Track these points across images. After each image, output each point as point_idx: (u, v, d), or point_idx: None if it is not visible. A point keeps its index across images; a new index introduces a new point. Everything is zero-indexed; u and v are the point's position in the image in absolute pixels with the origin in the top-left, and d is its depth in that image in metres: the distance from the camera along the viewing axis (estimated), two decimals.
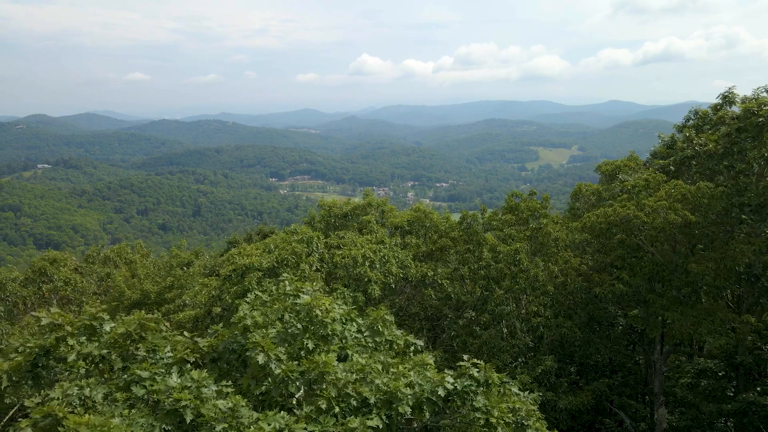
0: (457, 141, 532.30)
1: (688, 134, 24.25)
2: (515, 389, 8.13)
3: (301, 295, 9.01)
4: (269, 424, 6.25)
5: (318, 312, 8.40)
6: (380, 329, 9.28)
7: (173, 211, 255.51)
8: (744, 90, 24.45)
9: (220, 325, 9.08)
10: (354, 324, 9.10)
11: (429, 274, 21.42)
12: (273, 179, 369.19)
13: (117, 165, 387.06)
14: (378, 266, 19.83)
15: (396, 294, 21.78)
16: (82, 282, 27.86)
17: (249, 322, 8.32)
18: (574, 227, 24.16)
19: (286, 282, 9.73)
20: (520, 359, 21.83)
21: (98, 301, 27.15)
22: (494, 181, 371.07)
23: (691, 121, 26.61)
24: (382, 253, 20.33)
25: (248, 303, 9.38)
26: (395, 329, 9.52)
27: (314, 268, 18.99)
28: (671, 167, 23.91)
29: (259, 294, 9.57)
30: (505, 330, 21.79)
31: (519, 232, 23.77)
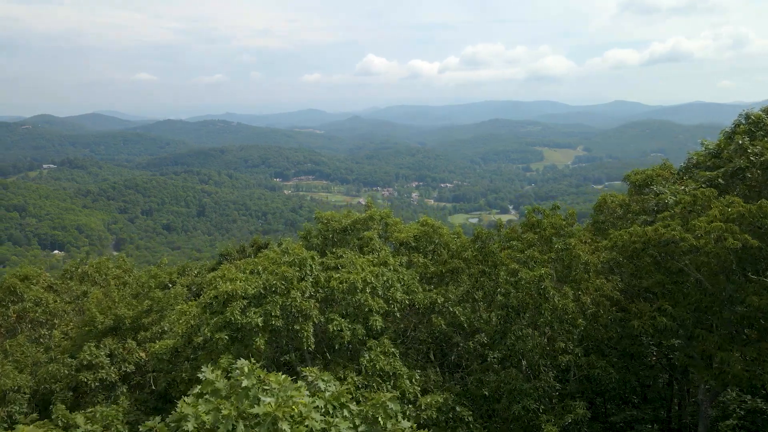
0: (461, 141, 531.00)
1: (741, 142, 21.38)
2: None
3: (262, 398, 6.20)
4: None
5: (286, 429, 5.86)
6: (382, 422, 6.65)
7: (178, 211, 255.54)
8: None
9: (158, 421, 6.46)
10: (345, 412, 6.68)
11: (439, 301, 19.34)
12: (277, 179, 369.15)
13: (122, 165, 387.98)
14: (380, 292, 17.84)
15: (400, 322, 19.77)
16: (55, 302, 25.49)
17: (190, 428, 5.90)
18: (602, 246, 21.60)
19: (244, 370, 6.74)
20: (544, 403, 18.92)
21: (71, 324, 24.90)
22: (499, 182, 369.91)
23: (741, 126, 23.39)
24: (385, 277, 18.24)
25: (197, 393, 6.70)
26: (402, 419, 6.86)
27: (307, 294, 17.13)
28: (720, 180, 21.12)
29: (212, 379, 6.76)
30: (526, 367, 19.55)
31: (542, 253, 21.10)
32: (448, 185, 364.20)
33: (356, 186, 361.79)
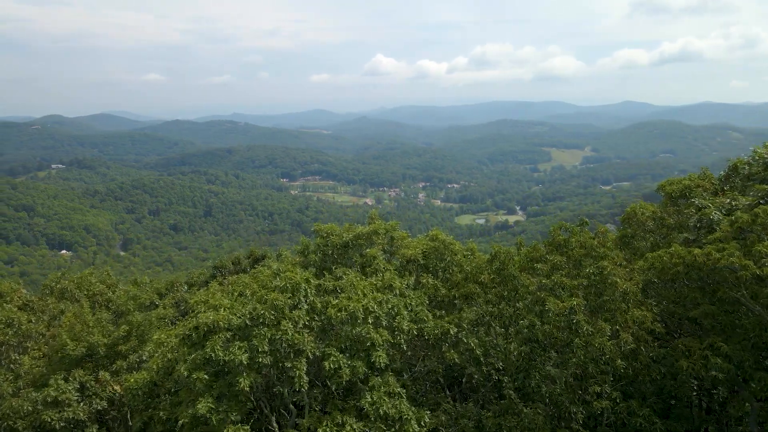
0: (468, 142, 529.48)
1: None
2: None
3: None
4: None
5: None
6: None
7: (185, 211, 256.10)
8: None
9: None
10: None
11: (451, 331, 17.07)
12: (284, 180, 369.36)
13: (130, 165, 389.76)
14: (384, 322, 15.86)
15: (407, 352, 17.82)
16: (29, 322, 22.94)
17: None
18: (638, 268, 19.01)
19: None
20: None
21: (44, 349, 22.10)
22: (506, 182, 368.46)
23: None
24: (390, 305, 16.23)
25: None
26: None
27: (301, 324, 15.28)
28: None
29: None
30: (551, 407, 17.12)
31: (570, 278, 18.43)
32: (455, 186, 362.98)
33: (363, 186, 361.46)
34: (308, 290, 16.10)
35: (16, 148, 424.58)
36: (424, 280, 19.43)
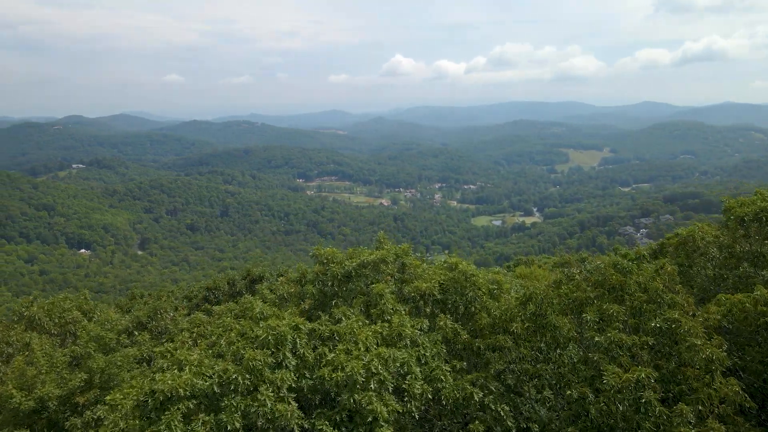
0: (485, 142, 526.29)
1: None
2: None
3: None
4: None
5: None
6: None
7: (201, 211, 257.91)
8: None
9: None
10: None
11: (476, 397, 13.91)
12: (300, 180, 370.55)
13: (148, 165, 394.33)
14: (391, 386, 13.01)
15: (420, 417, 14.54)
16: None
17: None
18: (712, 314, 15.38)
19: None
20: None
21: None
22: (523, 184, 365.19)
23: None
24: (398, 363, 13.47)
25: None
26: None
27: (285, 388, 12.57)
28: None
29: None
30: None
31: (631, 332, 14.97)
32: (472, 187, 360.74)
33: (379, 187, 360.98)
34: (298, 340, 13.58)
35: (39, 147, 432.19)
36: (442, 323, 16.18)
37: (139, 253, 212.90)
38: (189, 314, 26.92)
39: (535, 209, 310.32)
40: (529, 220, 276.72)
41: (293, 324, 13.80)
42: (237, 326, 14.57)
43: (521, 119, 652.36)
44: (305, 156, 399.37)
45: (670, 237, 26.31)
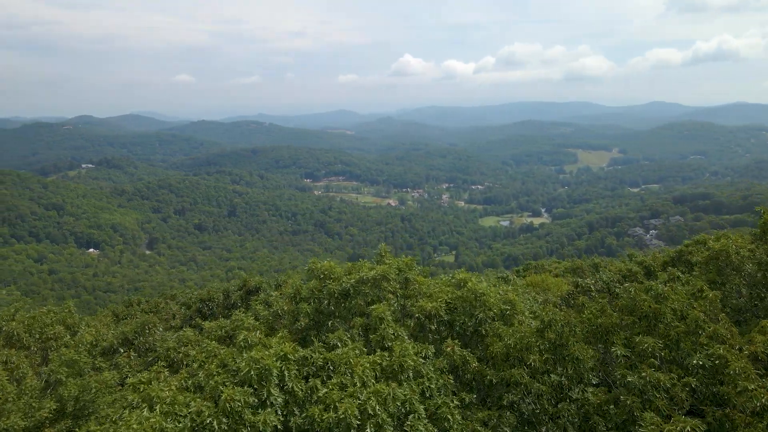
0: (493, 142, 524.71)
1: None
2: None
3: None
4: None
5: None
6: None
7: (209, 211, 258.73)
8: None
9: None
10: None
11: None
12: (308, 180, 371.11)
13: (157, 165, 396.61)
14: (390, 428, 11.62)
15: None
16: None
17: None
18: (758, 345, 13.44)
19: None
20: None
21: None
22: (531, 184, 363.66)
23: None
24: (399, 402, 12.03)
25: None
26: None
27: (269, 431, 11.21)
28: None
29: None
30: None
31: (668, 369, 13.28)
32: (479, 187, 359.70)
33: (386, 187, 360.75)
34: (286, 372, 12.02)
35: (49, 147, 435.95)
36: (449, 349, 14.52)
37: (147, 252, 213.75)
38: (182, 327, 25.89)
39: (543, 210, 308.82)
40: (537, 221, 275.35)
41: (281, 354, 12.33)
42: (220, 353, 13.43)
43: (530, 119, 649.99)
44: (313, 156, 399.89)
45: (689, 244, 25.22)
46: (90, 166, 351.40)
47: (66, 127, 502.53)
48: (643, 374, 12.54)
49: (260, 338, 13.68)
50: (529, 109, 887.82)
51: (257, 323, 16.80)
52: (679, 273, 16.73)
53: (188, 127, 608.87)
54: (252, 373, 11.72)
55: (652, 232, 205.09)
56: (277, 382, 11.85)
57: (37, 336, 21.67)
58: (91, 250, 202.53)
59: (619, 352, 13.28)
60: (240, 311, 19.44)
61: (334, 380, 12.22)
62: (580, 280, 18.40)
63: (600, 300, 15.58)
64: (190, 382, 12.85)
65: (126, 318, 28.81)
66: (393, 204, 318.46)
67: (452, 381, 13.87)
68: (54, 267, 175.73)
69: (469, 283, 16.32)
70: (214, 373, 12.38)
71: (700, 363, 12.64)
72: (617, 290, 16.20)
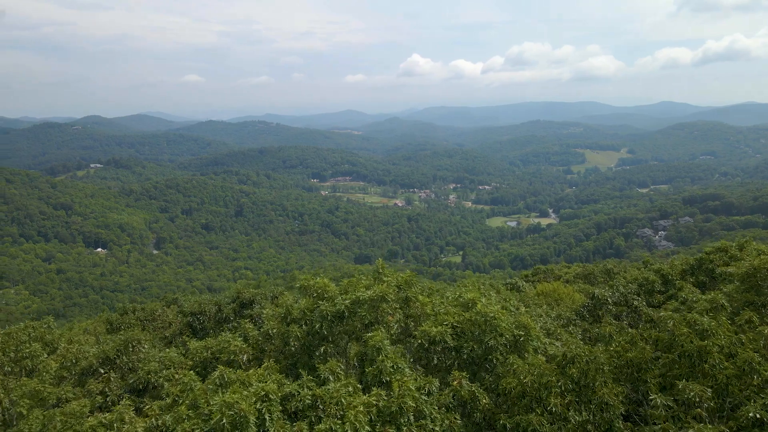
0: (500, 143, 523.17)
1: None
2: None
3: None
4: None
5: None
6: None
7: (216, 211, 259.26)
8: None
9: None
10: None
11: None
12: (314, 180, 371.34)
13: (165, 165, 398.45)
14: None
15: None
16: None
17: None
18: None
19: None
20: None
21: None
22: (539, 184, 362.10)
23: None
24: None
25: None
26: None
27: None
28: None
29: None
30: None
31: (715, 418, 11.60)
32: (487, 187, 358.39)
33: (393, 187, 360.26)
34: (267, 416, 10.65)
35: (58, 147, 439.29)
36: (455, 383, 12.98)
37: (155, 252, 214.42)
38: (171, 342, 24.58)
39: (550, 210, 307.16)
40: (544, 222, 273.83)
41: (262, 393, 10.86)
42: (195, 389, 12.23)
43: (538, 120, 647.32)
44: (320, 156, 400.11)
45: (711, 251, 24.20)
46: (98, 165, 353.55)
47: (75, 127, 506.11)
48: (689, 428, 10.52)
49: (238, 375, 12.39)
50: (537, 110, 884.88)
51: (245, 346, 15.55)
52: (724, 301, 14.68)
53: (196, 127, 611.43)
54: (224, 421, 10.27)
55: (661, 233, 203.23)
56: (255, 430, 10.38)
57: (12, 355, 20.05)
58: (99, 249, 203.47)
59: (659, 401, 11.29)
60: (230, 329, 18.08)
61: (322, 426, 10.69)
62: (596, 291, 17.10)
63: (627, 327, 13.74)
64: (159, 422, 11.66)
65: (120, 327, 27.94)
66: (400, 204, 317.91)
67: (459, 421, 12.40)
68: (62, 266, 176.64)
69: (479, 305, 14.83)
70: (184, 417, 11.13)
71: (757, 416, 10.38)
72: (645, 310, 14.22)
